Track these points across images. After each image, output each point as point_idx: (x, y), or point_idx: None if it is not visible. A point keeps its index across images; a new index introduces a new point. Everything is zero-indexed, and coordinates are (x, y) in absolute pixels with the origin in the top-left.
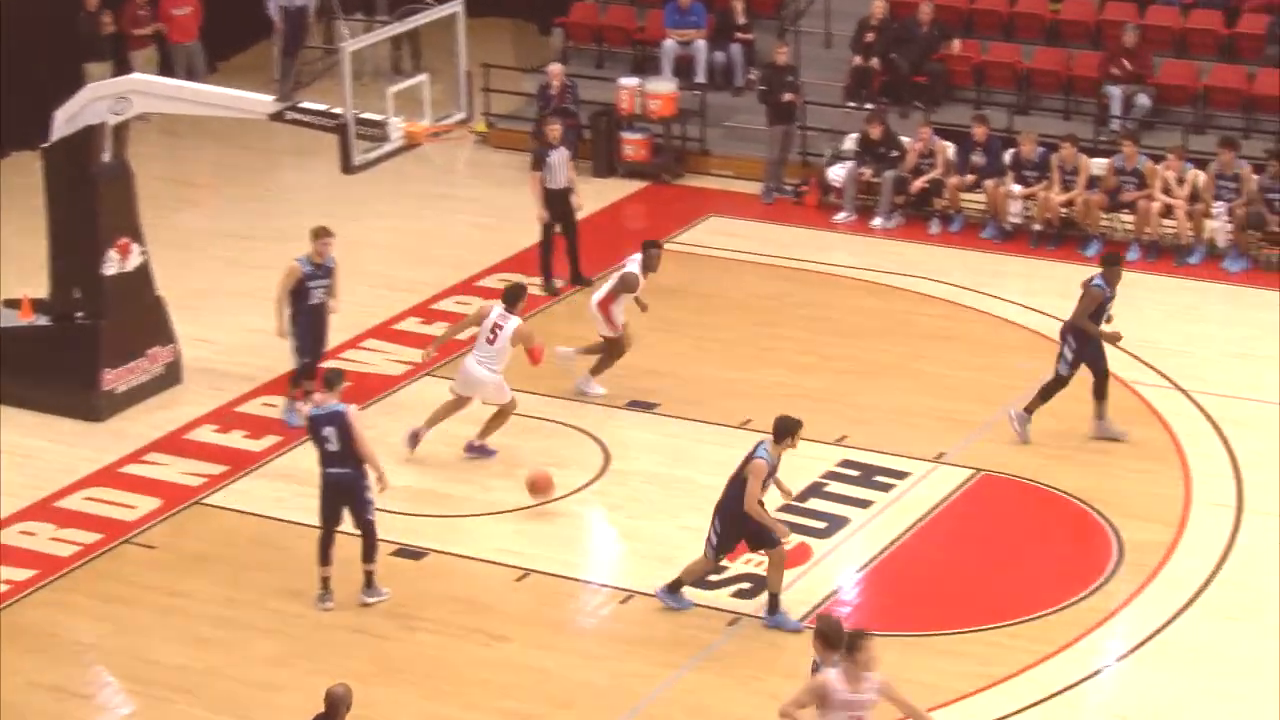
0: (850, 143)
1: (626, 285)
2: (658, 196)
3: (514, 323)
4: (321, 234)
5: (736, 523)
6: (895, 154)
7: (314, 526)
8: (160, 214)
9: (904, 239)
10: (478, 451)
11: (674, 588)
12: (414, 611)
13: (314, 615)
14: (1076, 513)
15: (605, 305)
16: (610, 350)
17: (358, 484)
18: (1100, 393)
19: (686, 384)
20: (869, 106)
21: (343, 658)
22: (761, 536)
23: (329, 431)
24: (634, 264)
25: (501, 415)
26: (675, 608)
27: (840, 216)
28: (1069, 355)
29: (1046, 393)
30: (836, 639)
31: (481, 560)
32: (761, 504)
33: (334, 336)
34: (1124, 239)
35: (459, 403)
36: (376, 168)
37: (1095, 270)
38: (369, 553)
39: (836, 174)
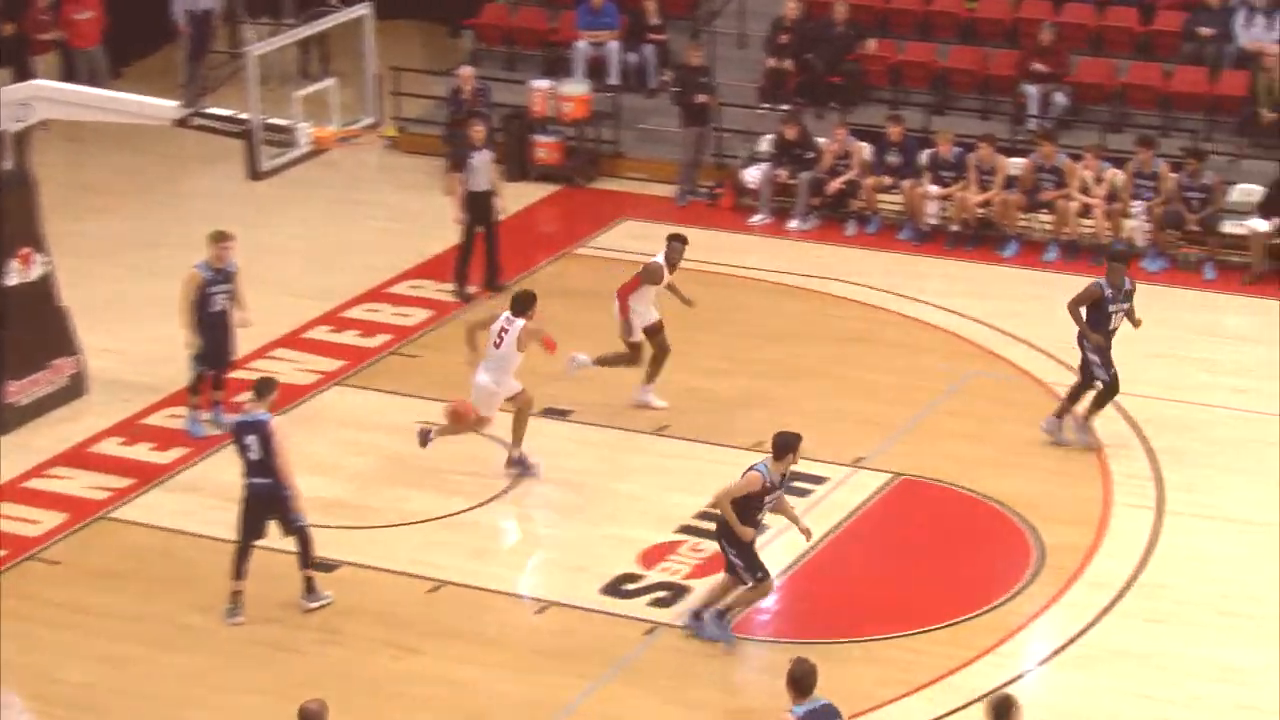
0: (765, 144)
1: (650, 275)
2: (571, 200)
3: (519, 324)
4: (221, 238)
5: (740, 543)
6: (811, 155)
7: (223, 540)
8: (64, 222)
9: (820, 241)
10: (519, 465)
11: (721, 615)
12: (328, 625)
13: (225, 631)
14: (996, 516)
15: (624, 294)
16: (632, 355)
17: (280, 494)
18: (1075, 396)
19: (602, 390)
20: (784, 108)
21: (255, 674)
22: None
23: (251, 440)
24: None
25: (519, 418)
26: (722, 639)
27: (756, 219)
28: (1094, 359)
29: (1100, 401)
30: (808, 685)
31: (395, 572)
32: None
33: (240, 345)
34: (1042, 239)
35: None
36: (285, 173)
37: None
38: (306, 559)
39: (752, 176)
